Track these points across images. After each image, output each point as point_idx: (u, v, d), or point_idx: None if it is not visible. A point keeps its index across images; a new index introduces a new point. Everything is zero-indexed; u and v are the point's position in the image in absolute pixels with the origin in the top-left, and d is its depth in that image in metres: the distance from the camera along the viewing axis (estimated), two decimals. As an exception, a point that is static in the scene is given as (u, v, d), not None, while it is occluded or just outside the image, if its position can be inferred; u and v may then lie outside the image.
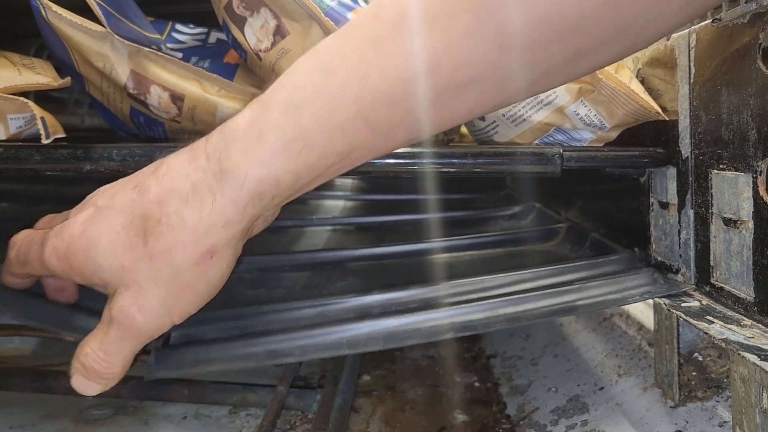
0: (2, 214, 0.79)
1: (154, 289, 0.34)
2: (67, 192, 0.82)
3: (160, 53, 0.55)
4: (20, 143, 0.51)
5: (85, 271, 0.35)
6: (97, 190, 0.37)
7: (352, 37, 0.32)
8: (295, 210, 0.87)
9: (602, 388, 0.60)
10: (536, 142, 0.56)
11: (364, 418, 0.63)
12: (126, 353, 0.35)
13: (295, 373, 0.68)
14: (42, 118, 0.52)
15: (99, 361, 0.35)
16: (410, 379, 0.72)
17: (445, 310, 0.44)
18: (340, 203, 0.94)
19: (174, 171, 0.33)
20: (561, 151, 0.49)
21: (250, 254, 0.59)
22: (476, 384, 0.71)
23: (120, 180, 0.36)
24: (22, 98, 0.52)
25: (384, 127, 0.32)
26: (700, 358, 0.52)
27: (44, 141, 0.52)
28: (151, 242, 0.33)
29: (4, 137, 0.52)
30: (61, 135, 0.55)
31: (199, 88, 0.56)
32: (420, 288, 0.48)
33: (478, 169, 0.49)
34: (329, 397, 0.61)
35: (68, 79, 0.57)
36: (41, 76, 0.56)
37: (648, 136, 0.55)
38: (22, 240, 0.38)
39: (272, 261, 0.60)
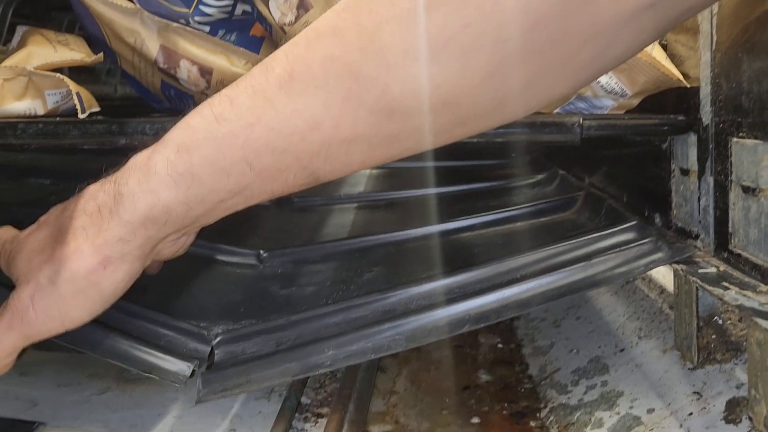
0: (43, 192, 0.82)
1: (50, 288, 0.37)
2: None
3: (188, 28, 0.56)
4: (59, 119, 0.53)
5: (12, 270, 0.40)
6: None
7: (245, 89, 0.35)
8: (323, 185, 0.89)
9: (623, 350, 0.61)
10: (557, 110, 0.56)
11: (390, 378, 0.65)
12: (6, 345, 0.38)
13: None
14: (78, 93, 0.54)
15: None
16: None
17: (460, 303, 0.46)
18: (366, 172, 0.95)
19: (88, 192, 0.38)
20: (581, 119, 0.49)
21: (284, 246, 0.64)
22: (500, 345, 0.73)
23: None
24: (58, 74, 0.54)
25: (270, 172, 0.36)
26: (720, 321, 0.53)
27: (80, 115, 0.54)
28: (57, 248, 0.37)
29: (42, 112, 0.55)
30: (96, 108, 0.57)
31: (226, 61, 0.57)
32: (437, 280, 0.50)
33: (499, 139, 0.50)
34: (357, 358, 0.64)
35: (101, 54, 0.59)
36: (75, 52, 0.58)
37: (669, 103, 0.55)
38: None
39: (303, 253, 0.63)
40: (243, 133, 0.34)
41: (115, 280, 0.38)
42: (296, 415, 0.57)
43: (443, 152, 0.87)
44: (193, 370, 0.44)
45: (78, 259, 0.37)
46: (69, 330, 0.39)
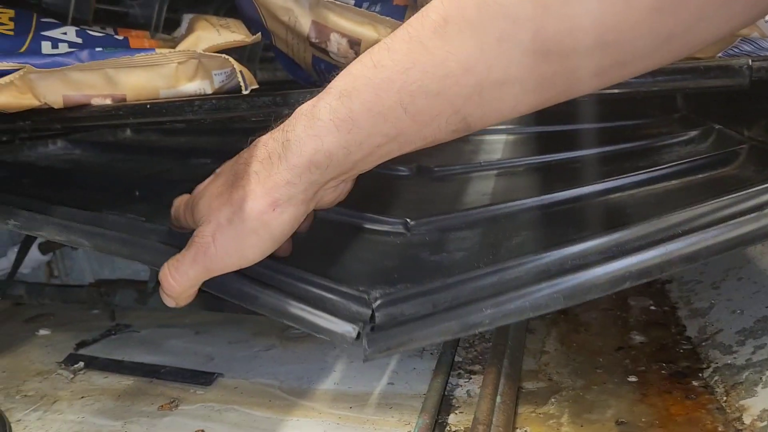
0: (205, 170, 0.89)
1: (228, 227, 0.41)
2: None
3: (336, 2, 0.59)
4: (228, 95, 0.58)
5: (195, 215, 0.44)
6: None
7: (402, 36, 0.37)
8: (460, 151, 0.89)
9: (794, 310, 0.58)
10: (719, 54, 0.53)
11: (539, 338, 0.66)
12: (191, 276, 0.43)
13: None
14: (241, 72, 0.59)
15: (167, 277, 0.43)
16: (581, 303, 0.73)
17: (619, 260, 0.45)
18: (503, 137, 0.94)
19: (260, 142, 0.42)
20: (749, 61, 0.46)
21: (429, 215, 0.64)
22: (652, 307, 0.70)
23: None
24: (223, 55, 0.59)
25: (424, 116, 0.37)
26: None
27: (244, 92, 0.58)
28: (233, 192, 0.41)
29: (210, 91, 0.60)
30: (256, 86, 0.61)
31: (373, 31, 0.59)
32: (592, 240, 0.48)
33: (656, 88, 0.48)
34: (506, 318, 0.65)
35: (259, 35, 0.63)
36: (236, 34, 0.63)
37: None
38: (177, 201, 0.48)
39: (448, 220, 0.64)
40: (399, 78, 0.36)
41: (283, 221, 0.41)
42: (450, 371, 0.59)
43: (584, 112, 0.85)
44: (359, 332, 0.47)
45: (252, 201, 0.40)
46: (244, 267, 0.43)
